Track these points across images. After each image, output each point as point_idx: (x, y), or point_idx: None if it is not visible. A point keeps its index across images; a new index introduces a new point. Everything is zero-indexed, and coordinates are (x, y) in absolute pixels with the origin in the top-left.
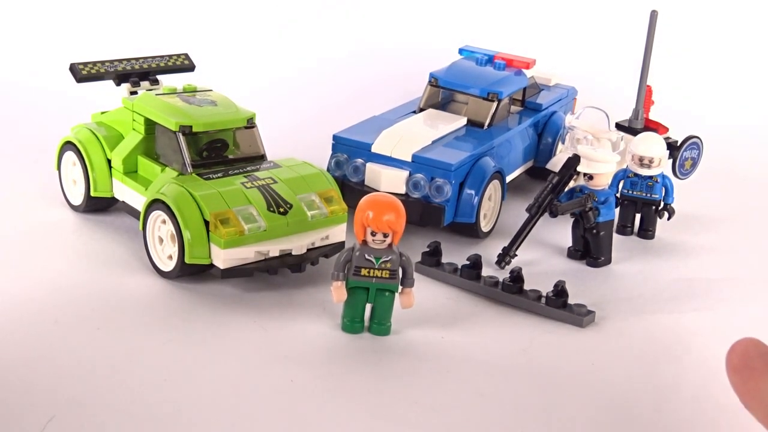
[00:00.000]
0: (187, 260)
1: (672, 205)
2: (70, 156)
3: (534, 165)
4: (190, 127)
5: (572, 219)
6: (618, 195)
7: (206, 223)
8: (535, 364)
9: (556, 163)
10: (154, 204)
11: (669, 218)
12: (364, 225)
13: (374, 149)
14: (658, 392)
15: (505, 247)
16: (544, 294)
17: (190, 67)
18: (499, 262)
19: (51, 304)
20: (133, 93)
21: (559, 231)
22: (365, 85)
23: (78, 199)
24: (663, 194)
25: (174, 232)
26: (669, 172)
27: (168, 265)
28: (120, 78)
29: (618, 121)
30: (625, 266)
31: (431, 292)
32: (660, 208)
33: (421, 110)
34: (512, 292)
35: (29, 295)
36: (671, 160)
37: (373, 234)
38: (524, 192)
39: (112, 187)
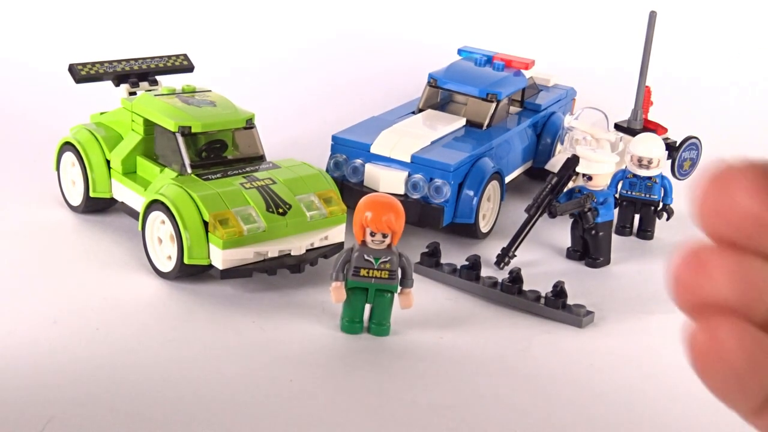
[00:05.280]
0: (186, 261)
1: (671, 205)
2: (69, 156)
3: (533, 165)
4: (189, 127)
5: (571, 219)
6: (617, 195)
7: (205, 223)
8: (534, 364)
9: (555, 164)
10: (154, 204)
11: (668, 219)
12: (363, 225)
13: (373, 150)
14: (658, 392)
15: (504, 248)
16: (543, 294)
17: (189, 68)
18: (498, 263)
19: (50, 304)
20: (132, 94)
21: (558, 231)
22: (365, 86)
23: (77, 199)
24: (662, 195)
25: (173, 233)
26: (668, 173)
27: (167, 266)
28: (119, 79)
29: (617, 121)
30: (624, 267)
31: (430, 293)
32: (659, 208)
33: (420, 111)
34: (511, 292)
35: (29, 296)
36: (670, 161)
37: (372, 234)
38: (523, 192)
39: (111, 188)
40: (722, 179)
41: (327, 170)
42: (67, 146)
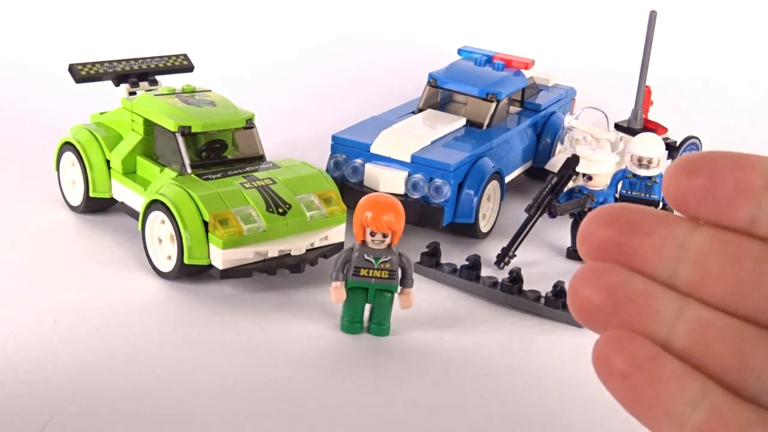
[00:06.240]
0: (186, 261)
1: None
2: (69, 156)
3: (533, 165)
4: (189, 127)
5: (571, 219)
6: (617, 195)
7: (205, 223)
8: (534, 364)
9: (555, 164)
10: (153, 204)
11: None
12: (363, 225)
13: (373, 150)
14: None
15: (504, 248)
16: (543, 294)
17: (189, 68)
18: (498, 263)
19: (50, 304)
20: (132, 93)
21: (558, 231)
22: (365, 86)
23: (77, 199)
24: (662, 195)
25: (173, 233)
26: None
27: (167, 266)
28: (119, 78)
29: (617, 121)
30: None
31: (430, 293)
32: (659, 208)
33: (420, 111)
34: (511, 292)
35: (28, 296)
36: (670, 161)
37: (373, 234)
38: (523, 192)
39: (111, 188)
40: (590, 216)
41: (327, 170)
42: (67, 146)
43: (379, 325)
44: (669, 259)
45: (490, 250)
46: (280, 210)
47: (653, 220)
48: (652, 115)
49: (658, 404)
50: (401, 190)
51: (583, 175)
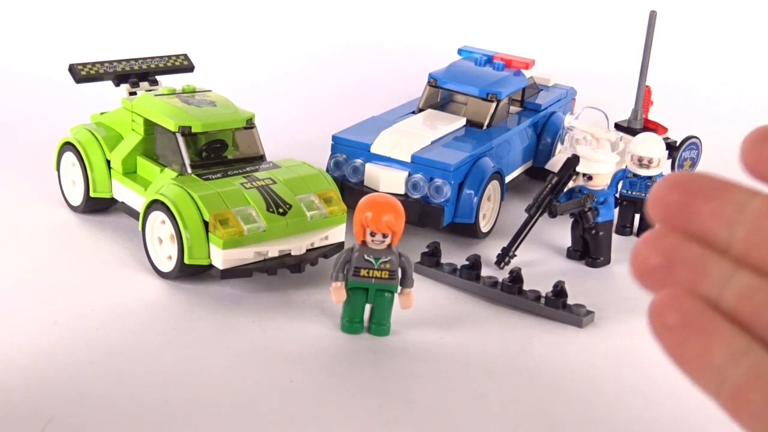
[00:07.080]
0: (186, 261)
1: None
2: (69, 157)
3: (533, 165)
4: (190, 127)
5: (571, 219)
6: (617, 195)
7: (205, 223)
8: (534, 364)
9: (555, 164)
10: (154, 204)
11: None
12: (364, 225)
13: (373, 150)
14: (657, 392)
15: (504, 248)
16: (544, 294)
17: (189, 68)
18: (498, 263)
19: (50, 304)
20: (132, 93)
21: (559, 231)
22: (365, 86)
23: (77, 199)
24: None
25: (173, 233)
26: (668, 172)
27: (167, 266)
28: (119, 78)
29: (617, 121)
30: (624, 266)
31: (430, 293)
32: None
33: (420, 111)
34: (511, 292)
35: (28, 296)
36: (670, 161)
37: (373, 234)
38: (523, 192)
39: (112, 188)
40: (660, 181)
41: (327, 170)
42: (68, 146)
43: (379, 325)
44: (727, 221)
45: (490, 250)
46: (281, 210)
47: (717, 185)
48: (652, 115)
49: (703, 357)
50: (401, 190)
51: (583, 175)
